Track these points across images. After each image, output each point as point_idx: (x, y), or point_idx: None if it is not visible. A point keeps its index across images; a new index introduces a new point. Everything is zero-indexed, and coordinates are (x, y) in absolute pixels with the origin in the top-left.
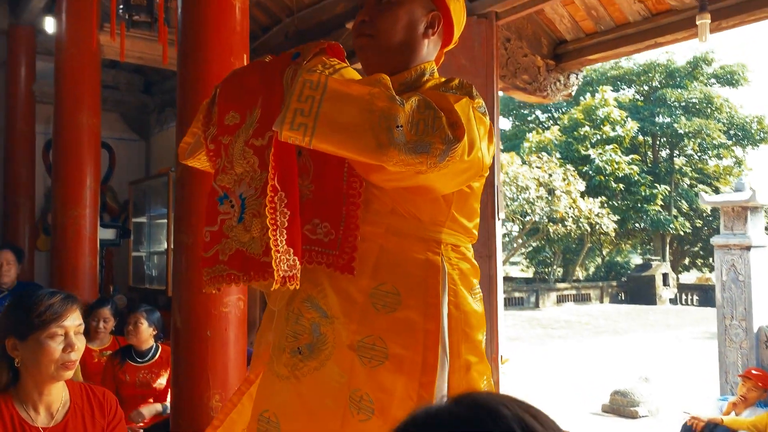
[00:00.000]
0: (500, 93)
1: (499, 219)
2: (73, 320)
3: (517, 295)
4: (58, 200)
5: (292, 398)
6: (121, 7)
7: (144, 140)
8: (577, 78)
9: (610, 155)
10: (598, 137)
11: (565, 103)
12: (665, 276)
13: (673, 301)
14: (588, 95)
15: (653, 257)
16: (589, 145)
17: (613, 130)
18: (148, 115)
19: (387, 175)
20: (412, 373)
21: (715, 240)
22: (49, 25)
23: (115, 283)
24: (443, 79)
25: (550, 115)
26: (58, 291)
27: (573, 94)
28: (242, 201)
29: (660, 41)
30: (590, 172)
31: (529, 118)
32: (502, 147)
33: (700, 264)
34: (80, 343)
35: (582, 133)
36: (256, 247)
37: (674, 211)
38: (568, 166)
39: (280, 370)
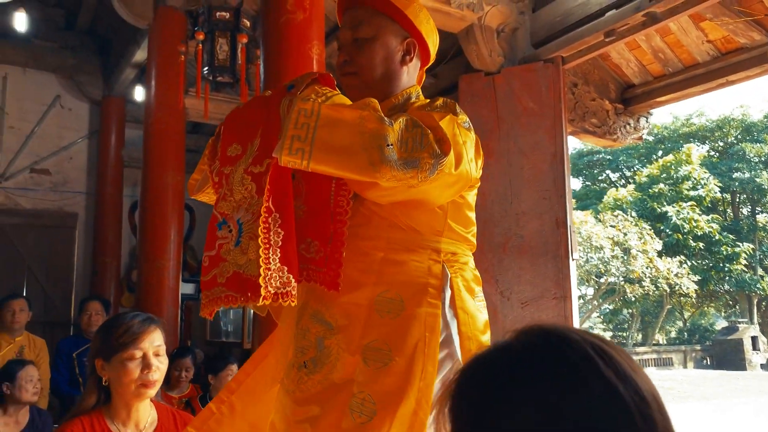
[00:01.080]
0: (571, 147)
1: (573, 259)
2: (152, 342)
3: None
4: (144, 254)
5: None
6: (206, 69)
7: None
8: (647, 121)
9: (688, 213)
10: (674, 194)
11: (636, 161)
12: (754, 339)
13: (764, 367)
14: (660, 152)
15: (740, 319)
16: (664, 202)
17: (694, 188)
18: None
19: (381, 191)
20: (413, 376)
21: None
22: (139, 94)
23: (193, 337)
24: (428, 100)
25: (621, 174)
26: (140, 313)
27: (643, 137)
28: (239, 226)
29: (731, 79)
30: (667, 230)
31: (599, 177)
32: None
33: None
34: (160, 363)
35: (658, 190)
36: (253, 268)
37: (760, 271)
38: (644, 224)
39: (289, 385)
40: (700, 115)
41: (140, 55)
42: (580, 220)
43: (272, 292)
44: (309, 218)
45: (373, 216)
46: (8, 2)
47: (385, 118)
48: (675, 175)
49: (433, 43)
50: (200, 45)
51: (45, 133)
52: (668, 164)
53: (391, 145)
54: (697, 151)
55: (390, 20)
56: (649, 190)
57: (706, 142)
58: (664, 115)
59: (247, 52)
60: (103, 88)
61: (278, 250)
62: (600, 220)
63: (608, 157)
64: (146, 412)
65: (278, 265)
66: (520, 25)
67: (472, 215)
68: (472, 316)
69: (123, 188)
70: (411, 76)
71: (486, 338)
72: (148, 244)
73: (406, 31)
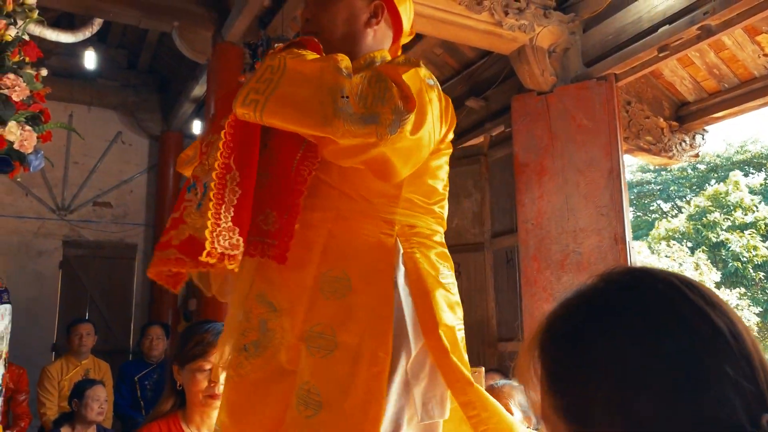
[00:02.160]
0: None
1: None
2: (222, 355)
3: None
4: None
5: (238, 398)
6: None
7: None
8: (703, 138)
9: (748, 240)
10: (730, 223)
11: (688, 190)
12: None
13: None
14: (713, 181)
15: None
16: (720, 231)
17: (745, 215)
18: None
19: (340, 151)
20: (361, 363)
21: None
22: (196, 128)
23: None
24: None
25: (673, 204)
26: (218, 325)
27: (699, 154)
28: (205, 188)
29: None
30: (725, 259)
31: (651, 208)
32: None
33: None
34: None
35: (711, 220)
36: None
37: None
38: (700, 254)
39: (229, 371)
40: (755, 142)
41: (198, 90)
42: (635, 251)
43: (218, 251)
44: (271, 188)
45: (321, 185)
46: (77, 42)
47: (344, 69)
48: (726, 203)
49: (406, 13)
50: None
51: (107, 168)
52: (719, 193)
53: (347, 97)
54: (753, 178)
55: None
56: (702, 220)
57: (762, 169)
58: (717, 142)
59: None
60: (161, 124)
61: (231, 209)
62: (654, 251)
63: (658, 187)
64: None
65: (229, 224)
66: (571, 45)
67: (438, 184)
68: (431, 296)
69: None
70: (378, 41)
71: (453, 321)
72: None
73: None
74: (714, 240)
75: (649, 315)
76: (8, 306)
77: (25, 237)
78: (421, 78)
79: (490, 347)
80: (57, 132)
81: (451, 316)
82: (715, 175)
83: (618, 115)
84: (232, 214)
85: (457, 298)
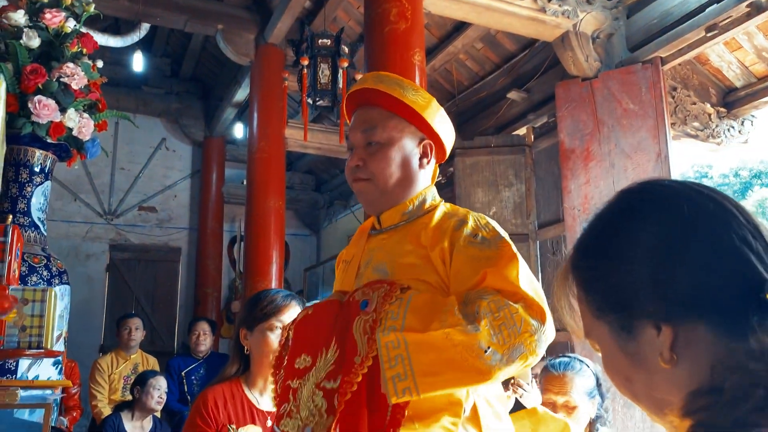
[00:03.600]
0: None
1: None
2: (292, 316)
3: None
4: (249, 274)
5: None
6: (309, 93)
7: (315, 234)
8: (752, 124)
9: None
10: None
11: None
12: None
13: None
14: (757, 187)
15: None
16: None
17: None
18: (318, 211)
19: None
20: None
21: None
22: (238, 132)
23: None
24: (447, 209)
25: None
26: (284, 290)
27: (749, 141)
28: None
29: None
30: None
31: None
32: None
33: None
34: None
35: None
36: None
37: None
38: None
39: None
40: None
41: (240, 94)
42: None
43: None
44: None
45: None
46: (123, 48)
47: (468, 326)
48: None
49: (450, 142)
50: (304, 69)
51: (151, 174)
52: (762, 201)
53: (489, 348)
54: None
55: (406, 123)
56: None
57: None
58: (760, 149)
59: (347, 75)
60: (204, 130)
61: None
62: None
63: None
64: None
65: None
66: (615, 30)
67: None
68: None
69: (223, 223)
70: (426, 178)
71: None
72: (253, 264)
73: (423, 132)
74: None
75: (668, 204)
76: (67, 287)
77: (74, 241)
78: (516, 257)
79: None
80: (104, 139)
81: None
82: (759, 181)
83: (665, 98)
84: None
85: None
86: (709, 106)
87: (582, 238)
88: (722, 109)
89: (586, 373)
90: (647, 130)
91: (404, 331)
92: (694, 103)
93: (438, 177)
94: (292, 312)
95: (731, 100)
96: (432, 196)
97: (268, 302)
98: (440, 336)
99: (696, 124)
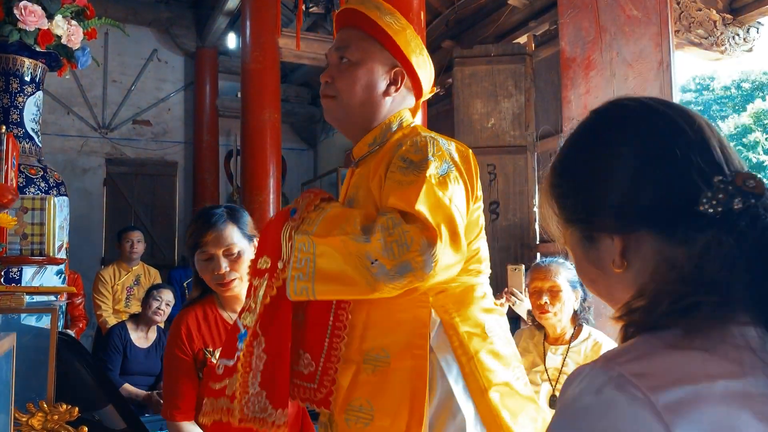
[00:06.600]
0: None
1: None
2: (218, 242)
3: None
4: (247, 188)
5: None
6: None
7: (311, 148)
8: (758, 32)
9: None
10: None
11: (731, 110)
12: None
13: None
14: (758, 100)
15: None
16: (761, 152)
17: None
18: (315, 125)
19: (391, 296)
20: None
21: None
22: (231, 42)
23: None
24: (402, 134)
25: (714, 123)
26: (216, 210)
27: (753, 49)
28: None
29: None
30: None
31: None
32: None
33: None
34: (232, 263)
35: (752, 139)
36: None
37: None
38: None
39: None
40: None
41: (232, 2)
42: None
43: (249, 416)
44: (306, 328)
45: None
46: None
47: (361, 235)
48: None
49: (427, 77)
50: None
51: (144, 86)
52: (760, 111)
53: (376, 260)
54: None
55: (379, 46)
56: (743, 140)
57: None
58: (764, 60)
59: None
60: (196, 40)
61: (258, 375)
62: None
63: (699, 107)
64: (241, 301)
65: (257, 389)
66: None
67: (475, 242)
68: (475, 360)
69: (219, 137)
70: (397, 105)
71: (506, 375)
72: (250, 178)
73: (396, 59)
74: (754, 161)
75: (623, 125)
76: (66, 198)
77: (69, 155)
78: (435, 182)
79: (529, 249)
80: (94, 50)
81: (503, 369)
82: (761, 94)
83: (670, 4)
84: (260, 379)
85: (505, 347)
86: (714, 12)
87: (556, 157)
88: (728, 16)
89: (569, 266)
90: (650, 37)
91: (313, 236)
92: (700, 9)
93: (437, 88)
94: (219, 238)
95: (738, 6)
96: (399, 122)
97: (191, 231)
98: (338, 242)
99: (700, 31)
